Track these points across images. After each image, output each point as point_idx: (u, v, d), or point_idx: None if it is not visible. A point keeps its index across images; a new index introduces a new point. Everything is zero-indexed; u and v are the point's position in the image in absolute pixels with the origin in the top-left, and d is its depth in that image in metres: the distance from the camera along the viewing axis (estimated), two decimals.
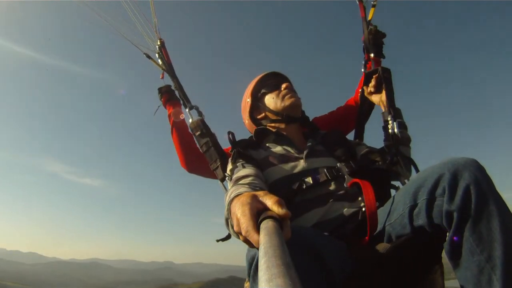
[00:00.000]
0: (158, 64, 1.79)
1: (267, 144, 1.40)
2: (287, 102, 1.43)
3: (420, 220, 0.87)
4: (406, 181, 1.27)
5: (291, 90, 1.47)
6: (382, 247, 0.95)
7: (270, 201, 0.62)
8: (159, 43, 1.81)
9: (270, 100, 1.46)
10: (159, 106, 1.80)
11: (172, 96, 1.76)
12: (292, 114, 1.44)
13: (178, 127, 1.70)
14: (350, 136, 1.69)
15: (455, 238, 0.80)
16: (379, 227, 0.99)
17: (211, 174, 1.65)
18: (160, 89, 1.79)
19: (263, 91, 1.50)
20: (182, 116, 1.72)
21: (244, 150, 1.32)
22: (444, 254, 0.90)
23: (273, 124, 1.47)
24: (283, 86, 1.46)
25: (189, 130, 1.64)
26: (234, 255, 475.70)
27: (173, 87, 1.76)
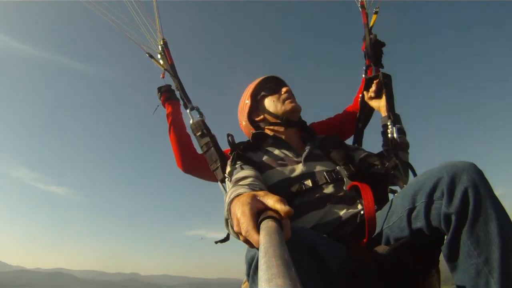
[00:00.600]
0: (160, 64, 1.80)
1: (266, 148, 1.41)
2: (288, 106, 1.44)
3: (419, 223, 0.87)
4: (404, 185, 1.28)
5: (291, 94, 1.49)
6: (380, 249, 0.96)
7: (271, 200, 0.62)
8: (162, 43, 1.82)
9: (270, 103, 1.47)
10: (158, 105, 1.81)
11: (171, 95, 1.76)
12: (292, 118, 1.46)
13: (176, 127, 1.71)
14: (349, 141, 1.70)
15: (453, 241, 0.81)
16: (378, 230, 0.99)
17: (206, 176, 1.65)
18: (159, 88, 1.79)
19: (263, 93, 1.51)
20: (180, 115, 1.72)
21: (244, 152, 1.33)
22: (441, 258, 0.90)
23: (271, 127, 1.48)
24: (284, 90, 1.47)
25: (190, 131, 1.64)
26: (201, 268, 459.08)
27: (174, 87, 1.77)
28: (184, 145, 1.68)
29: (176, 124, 1.71)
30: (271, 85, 1.52)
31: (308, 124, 1.66)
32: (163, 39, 1.82)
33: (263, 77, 1.55)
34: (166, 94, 1.77)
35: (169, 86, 1.79)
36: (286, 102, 1.45)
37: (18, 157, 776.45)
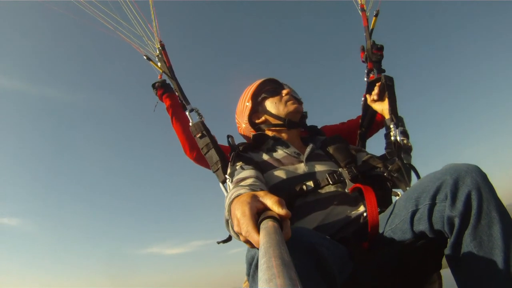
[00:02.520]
0: (158, 66, 1.80)
1: (267, 148, 1.40)
2: (291, 107, 1.44)
3: (422, 225, 0.87)
4: (407, 188, 1.27)
5: (292, 96, 1.48)
6: (382, 251, 0.95)
7: (270, 201, 0.62)
8: (159, 46, 1.82)
9: (272, 105, 1.46)
10: (157, 102, 1.81)
11: (166, 89, 1.77)
12: (294, 119, 1.45)
13: (179, 116, 1.71)
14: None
15: (456, 243, 0.80)
16: (380, 232, 0.99)
17: None
18: (153, 85, 1.80)
19: (263, 95, 1.50)
20: (180, 105, 1.72)
21: (244, 153, 1.32)
22: (444, 261, 0.90)
23: (272, 128, 1.47)
24: (285, 91, 1.47)
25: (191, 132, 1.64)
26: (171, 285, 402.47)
27: (172, 88, 1.77)
28: (191, 133, 1.67)
29: (178, 114, 1.72)
30: (271, 87, 1.52)
31: (319, 127, 1.66)
32: (161, 42, 1.82)
33: (262, 79, 1.54)
34: (162, 89, 1.78)
35: (163, 80, 1.80)
36: (289, 103, 1.45)
37: None
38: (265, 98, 1.49)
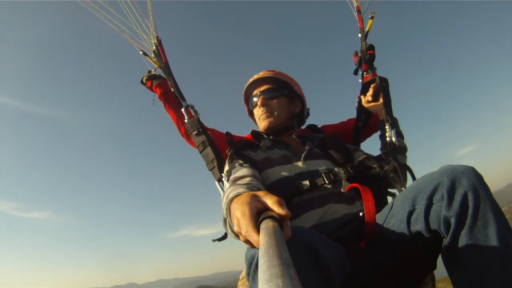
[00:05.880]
0: (154, 62, 1.78)
1: (265, 146, 1.40)
2: (262, 124, 1.44)
3: (418, 225, 0.88)
4: (402, 188, 1.28)
5: (264, 105, 1.43)
6: (378, 251, 0.96)
7: (270, 201, 0.62)
8: (156, 41, 1.79)
9: (256, 118, 1.50)
10: (154, 96, 1.82)
11: (155, 78, 1.78)
12: (273, 130, 1.45)
13: (171, 101, 1.74)
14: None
15: (452, 244, 0.82)
16: (377, 232, 0.99)
17: None
18: (142, 81, 1.81)
19: (250, 107, 1.53)
20: (172, 91, 1.72)
21: (242, 150, 1.32)
22: (438, 262, 0.91)
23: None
24: (258, 103, 1.45)
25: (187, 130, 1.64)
26: (195, 266, 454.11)
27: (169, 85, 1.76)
28: (182, 113, 1.69)
29: (169, 100, 1.75)
30: (252, 92, 1.51)
31: (320, 126, 1.67)
32: (157, 37, 1.80)
33: (247, 84, 1.53)
34: (149, 81, 1.79)
35: (149, 71, 1.81)
36: (261, 119, 1.44)
37: None
38: (251, 111, 1.53)
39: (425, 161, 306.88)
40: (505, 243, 0.75)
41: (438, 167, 0.90)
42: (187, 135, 1.72)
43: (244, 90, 1.54)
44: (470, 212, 0.78)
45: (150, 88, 1.80)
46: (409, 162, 1.35)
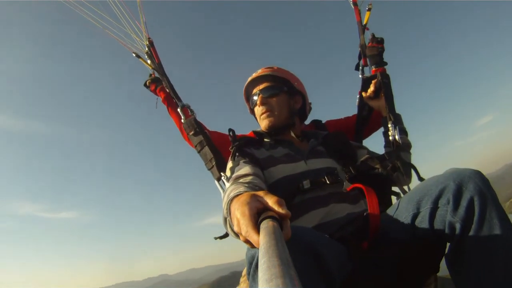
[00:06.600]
0: (147, 63, 1.78)
1: (268, 144, 1.38)
2: (263, 123, 1.41)
3: (422, 228, 0.88)
4: (406, 187, 1.27)
5: (263, 103, 1.40)
6: (381, 252, 0.95)
7: (270, 201, 0.62)
8: (147, 43, 1.79)
9: (257, 116, 1.47)
10: (157, 98, 1.83)
11: (159, 82, 1.80)
12: (274, 129, 1.41)
13: (173, 106, 1.74)
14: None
15: (456, 248, 0.82)
16: (380, 232, 0.99)
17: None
18: (145, 84, 1.82)
19: (251, 106, 1.49)
20: (168, 90, 1.74)
21: (245, 148, 1.30)
22: (442, 265, 0.92)
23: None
24: (257, 102, 1.42)
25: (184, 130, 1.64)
26: (225, 253, 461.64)
27: (164, 85, 1.76)
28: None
29: (172, 104, 1.76)
30: (252, 91, 1.48)
31: (324, 121, 1.65)
32: (149, 38, 1.79)
33: (246, 82, 1.50)
34: (153, 84, 1.81)
35: (150, 74, 1.82)
36: (261, 118, 1.41)
37: (18, 195, 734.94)
38: (252, 109, 1.50)
39: (443, 131, 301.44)
40: (510, 249, 0.75)
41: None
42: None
43: (244, 89, 1.51)
44: (476, 217, 0.78)
45: (154, 91, 1.81)
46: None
